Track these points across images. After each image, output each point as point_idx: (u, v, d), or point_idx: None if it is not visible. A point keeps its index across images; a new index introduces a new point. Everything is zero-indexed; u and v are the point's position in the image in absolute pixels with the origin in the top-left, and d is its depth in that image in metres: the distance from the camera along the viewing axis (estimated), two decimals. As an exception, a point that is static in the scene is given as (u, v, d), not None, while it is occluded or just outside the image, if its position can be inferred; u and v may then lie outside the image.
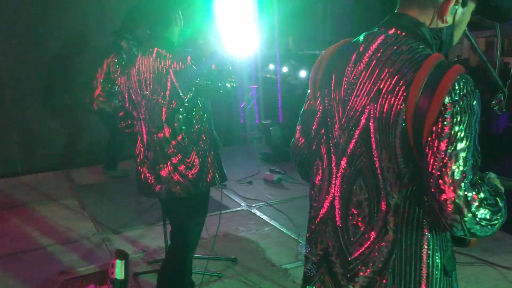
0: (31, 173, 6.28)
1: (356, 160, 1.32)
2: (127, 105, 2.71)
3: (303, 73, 9.71)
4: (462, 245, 1.40)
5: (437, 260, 1.28)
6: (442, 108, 1.15)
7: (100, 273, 3.21)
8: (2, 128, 6.27)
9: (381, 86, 1.25)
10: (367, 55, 1.32)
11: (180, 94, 2.49)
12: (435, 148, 1.15)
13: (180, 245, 2.80)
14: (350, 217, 1.35)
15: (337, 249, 1.38)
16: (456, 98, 1.15)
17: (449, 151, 1.14)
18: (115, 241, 4.22)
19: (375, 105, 1.26)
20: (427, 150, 1.17)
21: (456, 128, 1.14)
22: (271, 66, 7.54)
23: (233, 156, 6.64)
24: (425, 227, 1.26)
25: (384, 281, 1.28)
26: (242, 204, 4.99)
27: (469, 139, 1.15)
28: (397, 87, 1.22)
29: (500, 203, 1.19)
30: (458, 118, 1.15)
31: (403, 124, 1.20)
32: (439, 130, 1.15)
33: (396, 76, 1.23)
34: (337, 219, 1.38)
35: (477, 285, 3.31)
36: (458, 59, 15.51)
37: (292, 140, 1.69)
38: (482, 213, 1.14)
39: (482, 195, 1.15)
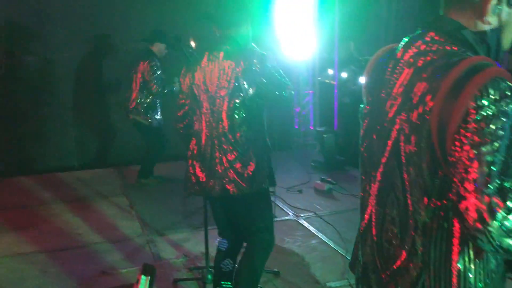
0: (86, 169, 6.42)
1: (389, 173, 1.27)
2: (189, 101, 2.75)
3: (362, 80, 9.36)
4: None
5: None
6: (465, 115, 1.04)
7: (125, 287, 3.16)
8: (60, 124, 6.44)
9: (412, 95, 1.18)
10: (403, 62, 1.25)
11: (243, 91, 2.56)
12: (457, 154, 1.05)
13: (248, 245, 2.84)
14: (385, 233, 1.30)
15: (372, 264, 1.35)
16: (484, 103, 1.04)
17: (472, 155, 1.03)
18: (159, 244, 4.18)
19: (406, 115, 1.20)
20: (450, 159, 1.07)
21: (482, 133, 1.03)
22: (330, 71, 7.31)
23: (285, 162, 6.49)
24: (456, 249, 1.15)
25: None
26: (290, 213, 4.83)
27: (497, 143, 1.03)
28: (426, 96, 1.14)
29: None
30: (485, 124, 1.03)
31: (429, 135, 1.12)
32: (462, 137, 1.05)
33: (427, 84, 1.15)
34: (374, 233, 1.34)
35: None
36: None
37: None
38: None
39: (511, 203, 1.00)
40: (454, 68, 1.10)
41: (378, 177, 1.31)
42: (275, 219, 4.57)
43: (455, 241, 1.14)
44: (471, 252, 1.15)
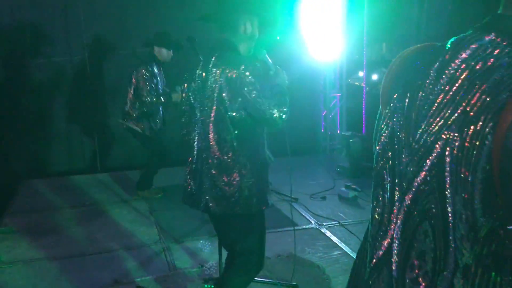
0: (108, 171, 6.40)
1: (424, 198, 1.06)
2: (189, 108, 2.63)
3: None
4: None
5: None
6: None
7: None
8: (84, 128, 6.46)
9: (468, 108, 0.98)
10: (453, 65, 1.05)
11: (226, 101, 2.33)
12: None
13: (229, 265, 2.63)
14: (409, 269, 1.09)
15: None
16: None
17: None
18: (175, 252, 4.06)
19: (456, 131, 0.99)
20: None
21: None
22: (360, 74, 7.09)
23: (309, 167, 6.30)
24: None
25: None
26: (312, 222, 4.63)
27: None
28: (486, 111, 0.94)
29: None
30: None
31: (489, 160, 0.93)
32: None
33: (487, 97, 0.94)
34: (393, 267, 1.13)
35: None
36: None
37: None
38: None
39: None
40: None
41: (407, 201, 1.11)
42: (296, 227, 4.42)
43: None
44: None
